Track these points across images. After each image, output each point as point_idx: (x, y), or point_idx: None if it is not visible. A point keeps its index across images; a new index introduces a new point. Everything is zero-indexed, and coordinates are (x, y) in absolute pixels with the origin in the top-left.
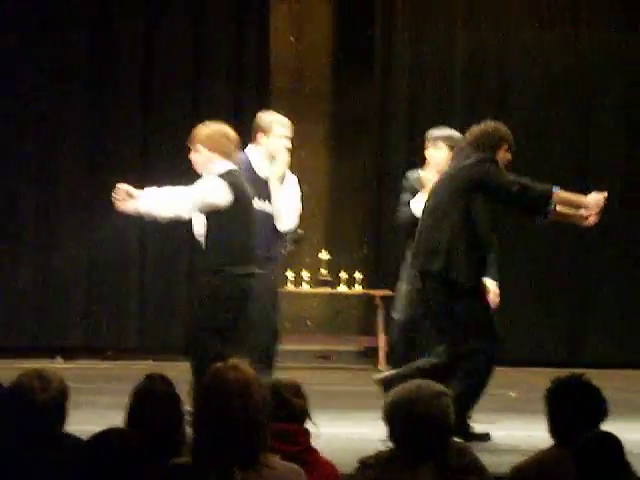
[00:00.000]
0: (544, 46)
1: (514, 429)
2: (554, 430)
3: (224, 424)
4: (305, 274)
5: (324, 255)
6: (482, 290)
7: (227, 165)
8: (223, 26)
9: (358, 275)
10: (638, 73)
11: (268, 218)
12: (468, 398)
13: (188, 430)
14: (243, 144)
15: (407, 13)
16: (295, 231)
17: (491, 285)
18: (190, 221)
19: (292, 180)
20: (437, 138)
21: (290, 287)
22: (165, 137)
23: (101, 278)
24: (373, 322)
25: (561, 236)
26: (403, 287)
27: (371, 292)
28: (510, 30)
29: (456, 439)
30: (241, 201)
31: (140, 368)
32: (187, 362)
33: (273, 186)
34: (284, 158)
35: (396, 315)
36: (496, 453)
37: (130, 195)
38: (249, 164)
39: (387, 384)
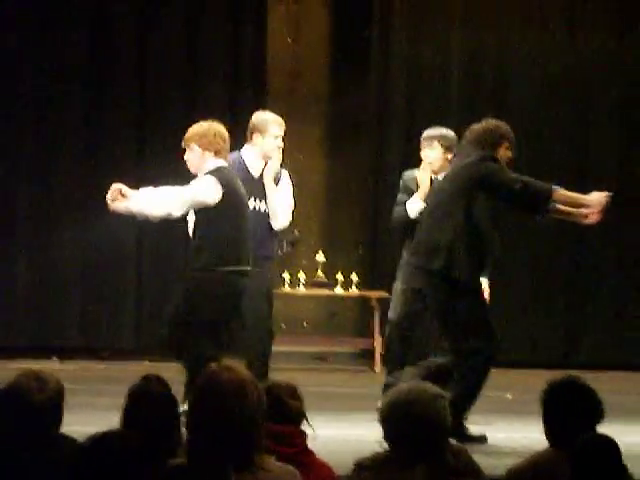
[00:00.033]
0: (543, 46)
1: (510, 431)
2: (550, 432)
3: (219, 425)
4: (301, 276)
5: (320, 257)
6: (481, 289)
7: (218, 163)
8: (220, 27)
9: (354, 277)
10: (636, 73)
11: (262, 217)
12: (465, 399)
13: (183, 431)
14: (239, 144)
15: (404, 13)
16: (292, 233)
17: (484, 282)
18: (186, 221)
19: (284, 177)
20: (432, 138)
21: (286, 289)
22: (162, 137)
23: (98, 279)
24: (369, 324)
25: (559, 237)
26: (399, 287)
27: (367, 294)
28: (508, 30)
29: (452, 441)
30: (231, 198)
31: (136, 369)
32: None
33: (268, 185)
34: (278, 157)
35: (391, 315)
36: (492, 455)
37: (123, 194)
38: (243, 163)
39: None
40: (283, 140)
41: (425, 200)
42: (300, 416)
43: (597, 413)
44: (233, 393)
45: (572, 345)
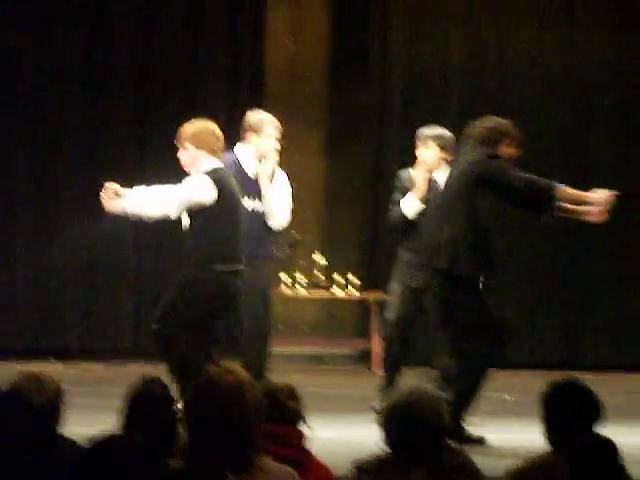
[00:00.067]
0: (542, 46)
1: (509, 432)
2: (550, 433)
3: (217, 427)
4: (300, 277)
5: (319, 258)
6: (487, 289)
7: (213, 163)
8: (220, 29)
9: (353, 278)
10: (636, 73)
11: (258, 216)
12: (463, 401)
13: (182, 432)
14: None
15: (403, 13)
16: (291, 234)
17: None
18: (181, 220)
19: (282, 177)
20: (427, 137)
21: (285, 290)
22: (162, 137)
23: (97, 280)
24: (368, 325)
25: (558, 237)
26: (396, 286)
27: (366, 295)
28: (508, 30)
29: (451, 442)
30: (227, 198)
31: (136, 370)
32: None
33: (263, 185)
34: (274, 158)
35: (389, 314)
36: (491, 456)
37: (118, 194)
38: (238, 163)
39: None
40: (280, 141)
41: (422, 200)
42: (298, 417)
43: (597, 414)
44: (231, 394)
45: (572, 347)
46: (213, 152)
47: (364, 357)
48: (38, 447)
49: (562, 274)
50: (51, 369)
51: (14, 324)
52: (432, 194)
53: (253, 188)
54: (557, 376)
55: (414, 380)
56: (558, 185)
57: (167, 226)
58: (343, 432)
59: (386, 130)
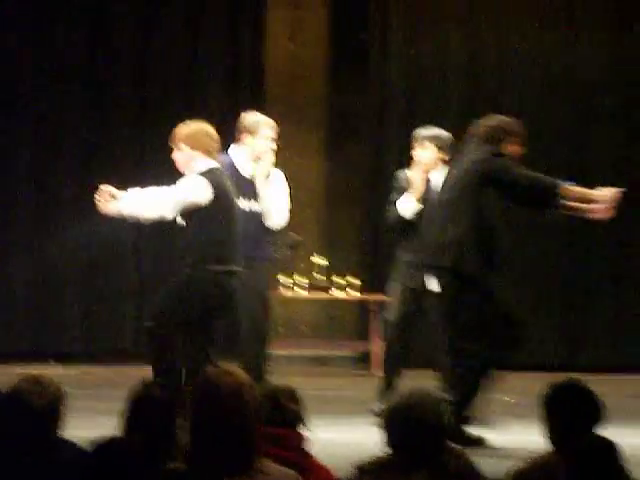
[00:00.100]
0: (542, 46)
1: (510, 434)
2: (550, 435)
3: (217, 429)
4: (300, 279)
5: (319, 260)
6: (494, 288)
7: (208, 163)
8: (220, 29)
9: (353, 280)
10: (636, 73)
11: (255, 217)
12: (464, 403)
13: (183, 435)
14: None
15: (403, 14)
16: (290, 236)
17: None
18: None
19: (279, 177)
20: (424, 138)
21: (285, 292)
22: (162, 137)
23: (98, 282)
24: (368, 327)
25: (559, 238)
26: (395, 287)
27: (366, 297)
28: (508, 30)
29: (452, 444)
30: (222, 199)
31: (137, 373)
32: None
33: (260, 185)
34: (270, 159)
35: (389, 316)
36: (492, 458)
37: (113, 196)
38: (233, 164)
39: None
40: (278, 142)
41: (419, 200)
42: (299, 419)
43: (598, 416)
44: (230, 396)
45: (572, 347)
46: (208, 153)
47: (364, 359)
48: (39, 450)
49: (562, 274)
50: (51, 372)
51: (14, 326)
52: (429, 194)
53: (249, 189)
54: (557, 377)
55: (414, 382)
56: (562, 182)
57: (167, 227)
58: (343, 434)
59: (386, 130)
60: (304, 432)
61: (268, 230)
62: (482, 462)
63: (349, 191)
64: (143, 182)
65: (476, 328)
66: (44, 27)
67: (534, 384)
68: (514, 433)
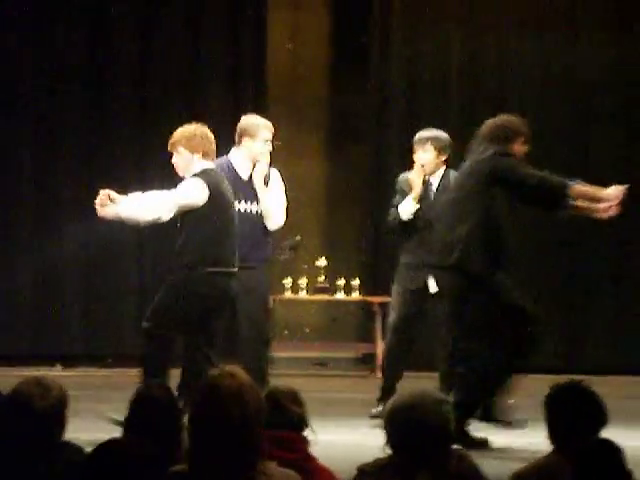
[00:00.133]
0: (543, 46)
1: (513, 436)
2: (553, 436)
3: (220, 431)
4: (302, 281)
5: (321, 262)
6: (501, 287)
7: (205, 164)
8: (220, 33)
9: (356, 282)
10: (636, 73)
11: (255, 219)
12: (468, 404)
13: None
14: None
15: (404, 14)
16: (291, 238)
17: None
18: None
19: (276, 177)
20: (425, 140)
21: (288, 294)
22: (162, 138)
23: (99, 284)
24: (371, 329)
25: (558, 239)
26: (396, 289)
27: (369, 299)
28: (508, 31)
29: (455, 446)
30: (218, 200)
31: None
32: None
33: (259, 187)
34: (267, 160)
35: (390, 318)
36: (495, 460)
37: (112, 200)
38: (231, 166)
39: None
40: (275, 142)
41: (418, 201)
42: (302, 421)
43: (601, 417)
44: (233, 399)
45: (573, 348)
46: (206, 155)
47: (367, 361)
48: (41, 452)
49: (562, 274)
50: (52, 374)
51: (17, 329)
52: (428, 195)
53: (247, 191)
54: (559, 379)
55: (415, 384)
56: (571, 182)
57: (168, 227)
58: (346, 436)
59: (386, 130)
60: (307, 435)
61: (267, 231)
62: (485, 464)
63: (350, 191)
64: (143, 182)
65: (482, 328)
66: (44, 27)
67: (535, 385)
68: (517, 435)
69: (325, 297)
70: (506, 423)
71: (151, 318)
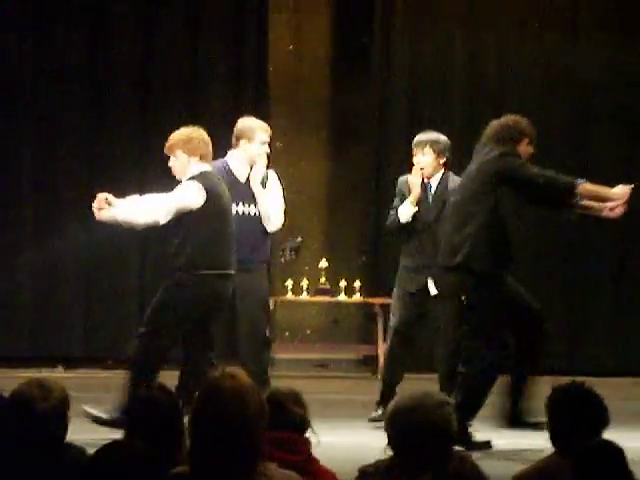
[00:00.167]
0: (543, 46)
1: (515, 437)
2: (555, 438)
3: (221, 433)
4: (304, 282)
5: (323, 263)
6: (507, 287)
7: (202, 167)
8: (221, 33)
9: (357, 283)
10: (636, 73)
11: (253, 221)
12: (469, 407)
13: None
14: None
15: (405, 15)
16: (294, 239)
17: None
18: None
19: (273, 178)
20: (424, 143)
21: (289, 295)
22: (162, 138)
23: (101, 286)
24: (372, 330)
25: (559, 239)
26: (396, 292)
27: (370, 300)
28: (509, 31)
29: (457, 447)
30: (214, 202)
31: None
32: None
33: (257, 190)
34: (264, 162)
35: (391, 321)
36: (497, 461)
37: (109, 203)
38: (228, 169)
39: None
40: (273, 145)
41: (417, 204)
42: (304, 423)
43: (602, 419)
44: (234, 400)
45: (573, 348)
46: (204, 158)
47: (368, 362)
48: (43, 454)
49: (562, 274)
50: (54, 375)
51: (18, 331)
52: (426, 198)
53: (245, 193)
54: (559, 380)
55: (417, 385)
56: (579, 181)
57: (171, 229)
58: (347, 437)
59: (388, 131)
60: (309, 436)
61: (266, 233)
62: (487, 465)
63: (351, 192)
64: (143, 182)
65: (487, 328)
66: (44, 27)
67: (537, 387)
68: (519, 436)
69: (326, 299)
70: (535, 425)
71: (147, 323)
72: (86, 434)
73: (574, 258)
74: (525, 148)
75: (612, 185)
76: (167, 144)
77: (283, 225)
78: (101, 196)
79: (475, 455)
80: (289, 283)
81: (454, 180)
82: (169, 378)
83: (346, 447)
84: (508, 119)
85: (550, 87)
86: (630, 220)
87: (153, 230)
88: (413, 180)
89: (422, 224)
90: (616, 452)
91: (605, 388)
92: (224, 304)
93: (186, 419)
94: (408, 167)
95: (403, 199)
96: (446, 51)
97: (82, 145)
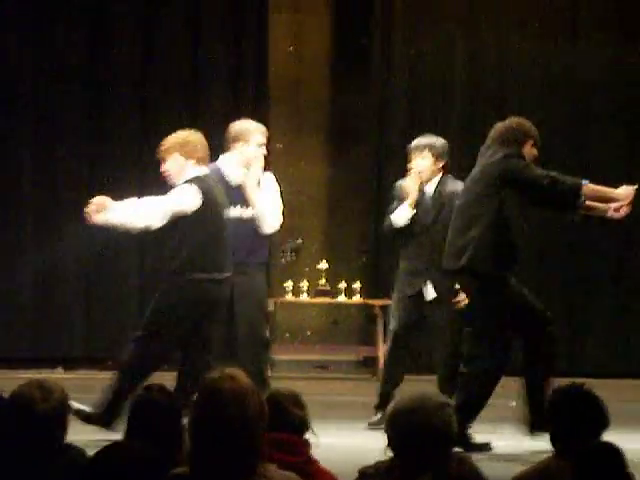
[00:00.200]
0: (543, 46)
1: (515, 439)
2: (555, 439)
3: (220, 434)
4: (304, 284)
5: (323, 264)
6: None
7: (198, 170)
8: (221, 33)
9: (357, 284)
10: (636, 73)
11: (249, 223)
12: (469, 408)
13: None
14: None
15: (405, 16)
16: (294, 240)
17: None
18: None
19: (270, 180)
20: (422, 147)
21: (289, 297)
22: (162, 139)
23: (101, 287)
24: (372, 332)
25: (559, 239)
26: (395, 296)
27: (370, 302)
28: (509, 31)
29: (456, 449)
30: (209, 206)
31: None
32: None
33: (252, 191)
34: (259, 164)
35: (390, 325)
36: (497, 463)
37: (104, 207)
38: (221, 173)
39: None
40: (274, 146)
41: (414, 207)
42: (304, 424)
43: (603, 420)
44: (233, 401)
45: (573, 349)
46: (201, 161)
47: (368, 364)
48: (43, 455)
49: (562, 274)
50: (54, 376)
51: (18, 332)
52: (423, 202)
53: (238, 196)
54: (559, 381)
55: (416, 387)
56: (584, 182)
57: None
58: (347, 439)
59: (388, 132)
60: (309, 437)
61: (261, 235)
62: (486, 467)
63: (351, 193)
64: (143, 182)
65: (491, 330)
66: (44, 27)
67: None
68: (519, 438)
69: (326, 300)
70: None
71: (144, 327)
72: (86, 435)
73: (574, 259)
74: (529, 150)
75: (612, 185)
76: (163, 147)
77: (283, 226)
78: (97, 200)
79: (474, 456)
80: (289, 284)
81: (453, 183)
82: (168, 379)
83: (346, 448)
84: (512, 121)
85: (550, 87)
86: (630, 220)
87: (152, 232)
88: (410, 184)
89: (420, 227)
90: (616, 454)
91: (605, 390)
92: (220, 308)
93: (185, 420)
94: (407, 171)
95: (400, 202)
96: (446, 51)
97: (82, 145)
